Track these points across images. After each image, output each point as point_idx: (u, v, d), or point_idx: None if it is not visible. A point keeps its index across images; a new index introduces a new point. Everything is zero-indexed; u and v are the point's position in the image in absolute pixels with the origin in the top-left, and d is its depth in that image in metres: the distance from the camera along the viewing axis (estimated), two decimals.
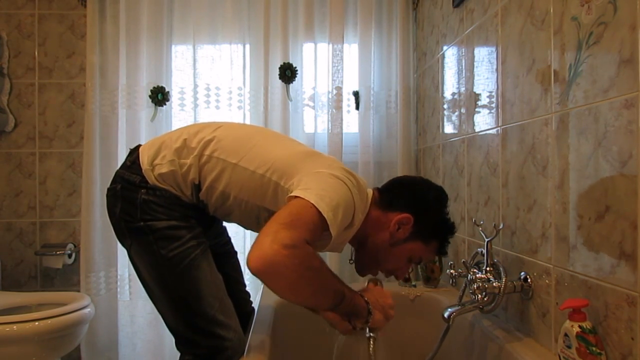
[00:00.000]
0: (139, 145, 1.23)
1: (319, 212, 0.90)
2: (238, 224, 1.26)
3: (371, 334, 1.07)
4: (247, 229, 1.32)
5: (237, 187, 1.12)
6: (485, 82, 1.44)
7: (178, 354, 1.18)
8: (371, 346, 1.07)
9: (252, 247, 0.85)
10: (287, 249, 0.83)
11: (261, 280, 0.85)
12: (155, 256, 1.11)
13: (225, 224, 1.42)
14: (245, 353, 1.13)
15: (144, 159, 1.15)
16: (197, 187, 1.14)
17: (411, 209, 1.15)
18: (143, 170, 1.14)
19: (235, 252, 1.47)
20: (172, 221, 1.12)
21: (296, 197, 0.93)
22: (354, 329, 1.02)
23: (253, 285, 1.99)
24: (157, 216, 1.12)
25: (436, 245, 1.21)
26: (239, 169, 1.11)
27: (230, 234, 1.48)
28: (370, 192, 1.20)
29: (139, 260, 1.17)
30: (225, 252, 1.41)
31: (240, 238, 2.07)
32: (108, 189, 1.19)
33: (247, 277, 2.01)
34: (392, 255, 1.17)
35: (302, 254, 0.86)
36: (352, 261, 1.27)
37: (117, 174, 1.19)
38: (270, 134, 1.22)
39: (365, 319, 1.03)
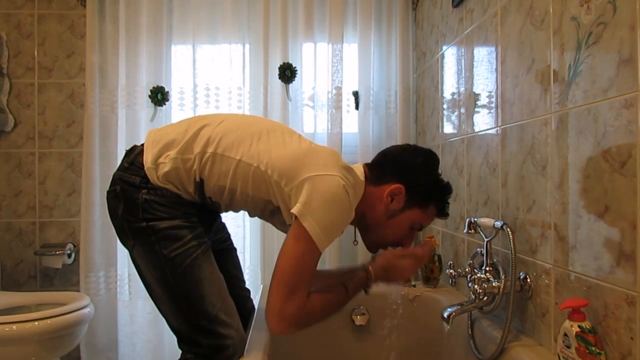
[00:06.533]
0: (135, 146, 1.23)
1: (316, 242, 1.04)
2: (248, 213, 1.30)
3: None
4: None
5: (242, 183, 1.13)
6: (484, 82, 1.44)
7: (178, 354, 1.18)
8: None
9: (267, 316, 1.04)
10: (295, 324, 1.04)
11: None
12: (158, 256, 1.12)
13: (224, 219, 1.43)
14: (245, 352, 1.14)
15: (148, 157, 1.15)
16: (200, 184, 1.15)
17: (401, 178, 1.17)
18: (145, 169, 1.14)
19: (235, 249, 1.47)
20: (174, 221, 1.13)
21: (299, 223, 1.03)
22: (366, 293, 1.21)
23: (253, 283, 2.00)
24: (159, 215, 1.12)
25: (434, 209, 1.21)
26: (242, 164, 1.12)
27: (230, 233, 1.48)
28: (361, 169, 1.21)
29: (141, 261, 1.17)
30: (225, 248, 1.41)
31: (240, 238, 2.07)
32: (108, 192, 1.19)
33: (247, 273, 2.02)
34: (392, 228, 1.19)
35: (308, 317, 1.06)
36: (356, 242, 1.31)
37: (115, 176, 1.19)
38: (271, 128, 1.21)
39: (366, 287, 1.18)
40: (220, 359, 1.12)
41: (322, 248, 1.05)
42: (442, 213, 1.23)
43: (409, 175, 1.18)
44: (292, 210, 1.04)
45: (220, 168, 1.13)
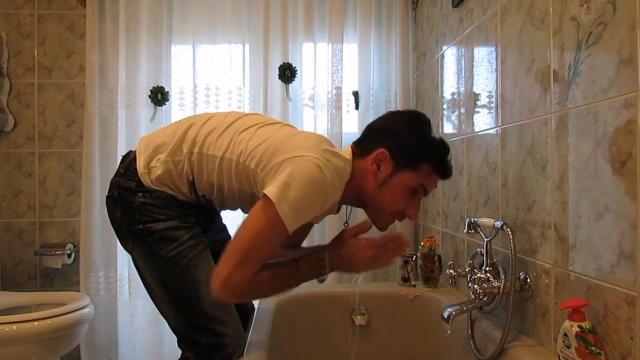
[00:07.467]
0: (130, 152, 1.25)
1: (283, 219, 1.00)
2: (242, 211, 1.28)
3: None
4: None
5: (227, 178, 1.14)
6: (484, 82, 1.44)
7: (178, 353, 1.19)
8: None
9: (212, 279, 1.02)
10: (239, 294, 1.05)
11: None
12: (156, 257, 1.14)
13: (224, 220, 1.44)
14: (245, 351, 1.14)
15: (140, 163, 1.17)
16: (193, 183, 1.16)
17: (383, 142, 1.12)
18: (139, 174, 1.16)
19: None
20: (171, 222, 1.15)
21: (267, 200, 0.99)
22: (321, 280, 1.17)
23: None
24: (155, 217, 1.14)
25: (429, 168, 1.12)
26: (225, 160, 1.13)
27: (231, 234, 1.48)
28: (349, 149, 1.17)
29: (141, 262, 1.19)
30: (225, 249, 1.41)
31: None
32: (106, 197, 1.21)
33: None
34: (387, 196, 1.12)
35: (252, 290, 1.05)
36: (346, 224, 1.26)
37: (112, 181, 1.21)
38: (253, 121, 1.19)
39: (319, 275, 1.13)
40: (219, 358, 1.13)
41: (291, 227, 1.00)
42: (441, 172, 1.14)
43: (391, 138, 1.12)
44: (263, 191, 1.01)
45: (207, 166, 1.14)
